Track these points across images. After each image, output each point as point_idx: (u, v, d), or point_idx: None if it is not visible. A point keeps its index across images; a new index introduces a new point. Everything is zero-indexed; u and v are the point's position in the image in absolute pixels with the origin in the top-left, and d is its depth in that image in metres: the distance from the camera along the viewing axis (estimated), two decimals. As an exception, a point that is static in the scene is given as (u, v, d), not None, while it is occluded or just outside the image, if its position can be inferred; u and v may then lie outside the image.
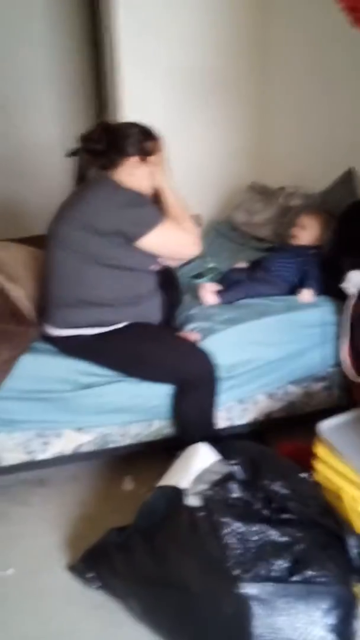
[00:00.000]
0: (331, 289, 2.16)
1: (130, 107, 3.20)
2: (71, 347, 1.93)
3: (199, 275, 2.42)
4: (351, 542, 1.43)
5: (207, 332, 2.02)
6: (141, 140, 1.92)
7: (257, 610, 1.33)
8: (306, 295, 2.21)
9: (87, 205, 1.85)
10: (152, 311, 2.00)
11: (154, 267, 2.00)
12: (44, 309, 1.99)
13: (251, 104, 3.48)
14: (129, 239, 1.84)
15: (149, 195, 1.97)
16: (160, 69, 3.22)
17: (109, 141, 1.90)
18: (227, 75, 3.35)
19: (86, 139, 1.93)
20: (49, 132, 3.74)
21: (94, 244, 1.84)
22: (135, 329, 1.94)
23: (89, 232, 1.82)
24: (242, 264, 2.49)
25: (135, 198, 1.87)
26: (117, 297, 1.92)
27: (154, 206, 1.92)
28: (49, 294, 1.97)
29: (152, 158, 1.95)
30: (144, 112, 3.32)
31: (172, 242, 1.90)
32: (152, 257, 1.94)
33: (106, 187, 1.89)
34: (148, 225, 1.83)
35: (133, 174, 1.92)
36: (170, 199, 1.97)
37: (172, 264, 2.15)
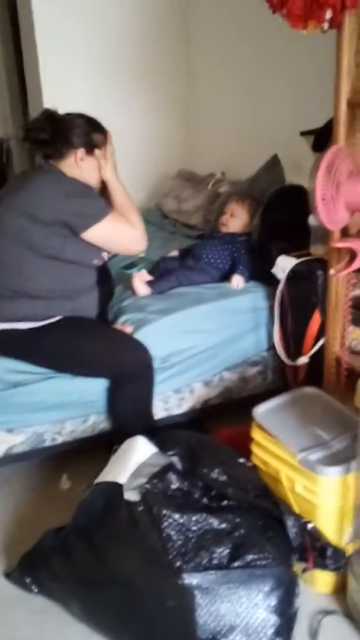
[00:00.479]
0: (262, 275, 2.18)
1: (52, 94, 3.12)
2: (1, 343, 1.86)
3: (129, 266, 2.39)
4: (289, 522, 1.45)
5: (140, 324, 1.99)
6: (88, 132, 1.89)
7: (200, 599, 1.33)
8: (237, 281, 2.22)
9: (31, 193, 1.79)
10: (89, 306, 1.96)
11: (97, 262, 1.95)
12: None
13: (177, 91, 3.47)
14: (74, 230, 1.80)
15: (97, 188, 1.94)
16: (82, 55, 3.17)
17: (55, 131, 1.85)
18: (152, 62, 3.33)
19: (30, 127, 1.88)
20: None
21: (37, 234, 1.79)
22: (68, 324, 1.89)
23: (32, 221, 1.77)
24: (174, 253, 2.47)
25: (81, 189, 1.83)
26: (55, 290, 1.87)
27: (100, 198, 1.88)
28: None
29: (99, 151, 1.91)
30: (66, 99, 3.24)
31: (118, 235, 1.86)
32: (97, 250, 1.90)
33: (52, 176, 1.84)
34: (94, 218, 1.80)
35: (79, 166, 1.88)
36: (117, 192, 1.93)
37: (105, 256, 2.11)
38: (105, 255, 1.97)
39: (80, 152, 1.87)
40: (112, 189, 1.93)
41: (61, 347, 1.87)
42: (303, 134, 2.00)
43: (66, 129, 1.86)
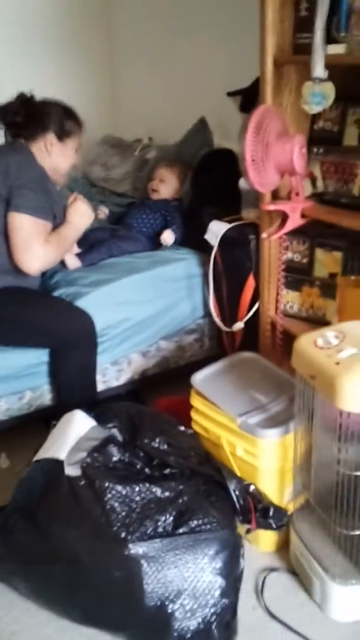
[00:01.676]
0: (194, 241, 2.16)
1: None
2: None
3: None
4: (232, 486, 1.46)
5: (73, 297, 1.94)
6: (61, 119, 1.92)
7: (146, 568, 1.33)
8: (167, 236, 2.20)
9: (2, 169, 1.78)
10: (32, 282, 1.93)
11: None
12: None
13: (100, 53, 3.36)
14: (8, 204, 1.78)
15: (63, 176, 2.01)
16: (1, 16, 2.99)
17: (28, 114, 1.88)
18: (74, 23, 3.20)
19: (4, 110, 1.89)
20: None
21: None
22: (9, 293, 1.85)
23: None
24: (103, 211, 2.41)
25: (41, 179, 1.84)
26: (2, 264, 1.83)
27: (50, 201, 1.84)
28: None
29: (70, 140, 1.94)
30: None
31: (24, 242, 1.78)
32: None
33: (21, 155, 1.86)
34: (27, 208, 1.76)
35: (49, 151, 1.89)
36: (66, 225, 1.91)
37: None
38: None
39: (51, 137, 1.89)
40: (65, 222, 1.91)
41: (3, 317, 1.82)
42: (230, 94, 1.97)
43: (39, 114, 1.88)
